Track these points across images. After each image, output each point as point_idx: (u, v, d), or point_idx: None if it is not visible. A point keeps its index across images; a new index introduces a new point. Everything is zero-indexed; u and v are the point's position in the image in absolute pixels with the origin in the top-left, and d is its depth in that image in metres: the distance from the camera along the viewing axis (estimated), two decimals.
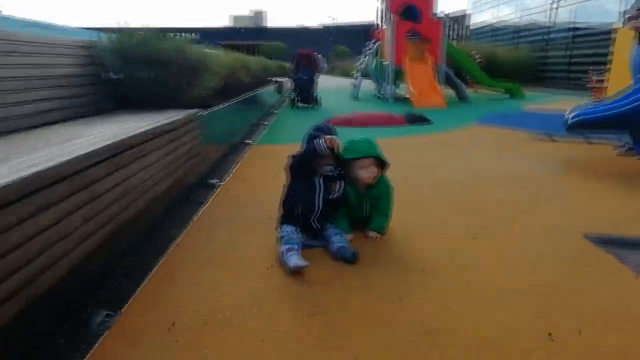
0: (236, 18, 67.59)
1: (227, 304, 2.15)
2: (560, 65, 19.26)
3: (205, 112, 4.33)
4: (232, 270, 2.50)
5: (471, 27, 32.31)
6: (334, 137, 2.69)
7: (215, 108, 4.93)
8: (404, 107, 10.75)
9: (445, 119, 8.94)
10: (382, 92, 13.67)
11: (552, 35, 20.23)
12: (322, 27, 64.93)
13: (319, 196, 2.74)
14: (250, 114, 7.87)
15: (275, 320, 2.02)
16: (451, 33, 32.13)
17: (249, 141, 6.55)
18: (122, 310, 2.09)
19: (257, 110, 8.76)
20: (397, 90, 14.01)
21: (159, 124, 2.93)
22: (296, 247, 2.55)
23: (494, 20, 27.58)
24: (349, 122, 8.12)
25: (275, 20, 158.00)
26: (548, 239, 2.91)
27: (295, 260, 2.41)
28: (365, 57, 15.28)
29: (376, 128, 7.72)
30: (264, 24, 67.30)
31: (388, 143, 6.75)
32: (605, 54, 10.45)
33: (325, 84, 21.57)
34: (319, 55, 11.91)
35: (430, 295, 2.22)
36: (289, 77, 12.70)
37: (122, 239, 2.55)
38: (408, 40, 12.42)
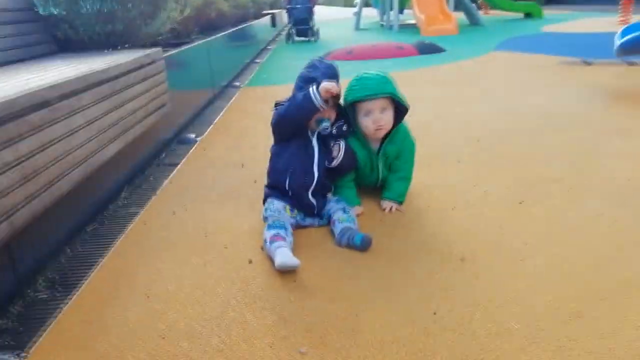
0: None
1: (180, 329, 1.49)
2: None
3: (171, 52, 3.51)
4: (196, 272, 1.82)
5: None
6: (333, 82, 1.94)
7: (187, 46, 4.09)
8: (412, 35, 9.70)
9: (461, 46, 7.97)
10: (385, 20, 12.49)
11: None
12: None
13: (315, 162, 2.06)
14: (239, 52, 6.96)
15: None
16: None
17: (237, 83, 5.73)
18: None
19: (247, 48, 7.82)
20: (403, 18, 12.82)
21: (94, 70, 2.15)
22: (283, 232, 1.87)
23: None
24: (350, 56, 7.21)
25: None
26: (622, 196, 2.19)
27: (281, 256, 1.73)
28: None
29: (383, 60, 6.83)
30: None
31: (399, 78, 5.89)
32: None
33: (326, 15, 20.16)
34: None
35: (480, 306, 1.54)
36: (284, 8, 11.53)
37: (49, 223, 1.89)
38: None
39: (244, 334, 1.45)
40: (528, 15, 12.97)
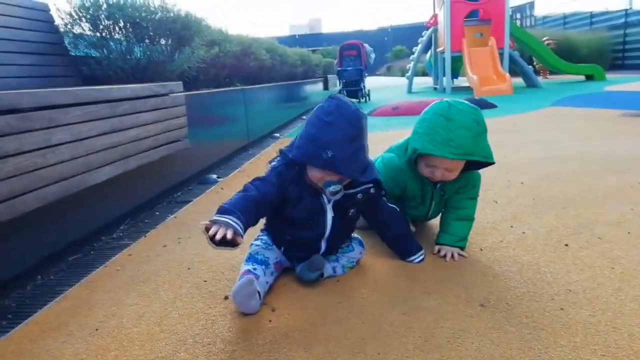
0: (293, 27, 68.58)
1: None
2: None
3: (200, 92, 3.46)
4: (162, 308, 1.56)
5: (537, 16, 29.81)
6: (223, 228, 1.38)
7: (219, 90, 4.05)
8: (464, 96, 9.47)
9: (515, 103, 7.61)
10: (439, 84, 12.39)
11: (630, 18, 17.83)
12: (379, 29, 63.68)
13: (326, 236, 1.64)
14: (282, 107, 6.98)
15: None
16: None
17: (277, 135, 5.66)
18: None
19: (293, 104, 7.87)
20: (457, 82, 12.69)
21: (85, 87, 2.05)
22: (261, 269, 1.58)
23: (564, 6, 25.09)
24: (396, 112, 7.04)
25: (331, 26, 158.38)
26: None
27: (241, 297, 1.42)
28: (418, 45, 13.97)
29: None
30: (320, 30, 67.31)
31: None
32: None
33: (380, 83, 20.51)
34: (367, 46, 10.82)
35: None
36: (336, 73, 11.74)
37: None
38: (465, 23, 11.07)
39: None
40: (589, 77, 12.45)
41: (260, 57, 5.36)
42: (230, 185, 3.20)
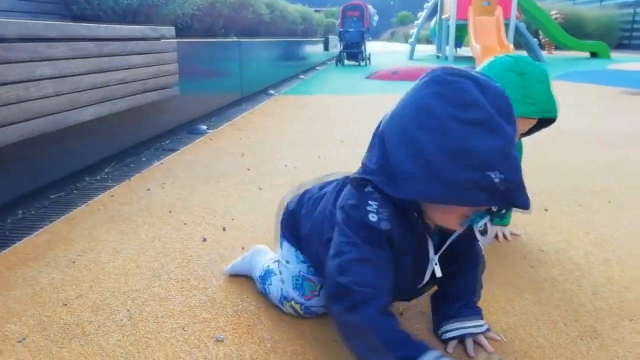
0: None
1: (89, 299, 1.22)
2: None
3: (194, 40, 3.39)
4: (140, 246, 1.57)
5: None
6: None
7: (213, 39, 3.97)
8: (466, 65, 9.34)
9: None
10: (442, 52, 12.21)
11: None
12: None
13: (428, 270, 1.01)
14: (279, 64, 6.87)
15: None
16: None
17: (272, 92, 5.59)
18: None
19: (291, 62, 7.75)
20: (460, 52, 12.51)
21: (73, 23, 2.00)
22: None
23: None
24: (395, 76, 6.96)
25: None
26: None
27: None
28: (424, 10, 13.68)
29: None
30: None
31: None
32: None
33: (383, 48, 20.19)
34: (371, 8, 10.59)
35: None
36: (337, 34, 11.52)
37: None
38: None
39: (158, 312, 1.17)
40: (594, 55, 12.29)
41: (259, 10, 5.23)
42: (220, 137, 3.19)
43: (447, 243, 0.98)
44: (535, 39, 12.09)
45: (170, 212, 1.83)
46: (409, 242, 0.92)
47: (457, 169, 0.77)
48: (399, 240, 0.90)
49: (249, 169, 2.39)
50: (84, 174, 2.28)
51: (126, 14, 2.99)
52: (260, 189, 2.10)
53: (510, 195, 0.79)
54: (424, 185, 0.79)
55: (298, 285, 1.13)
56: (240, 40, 4.71)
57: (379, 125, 0.91)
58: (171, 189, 2.11)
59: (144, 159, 2.66)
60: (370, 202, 0.88)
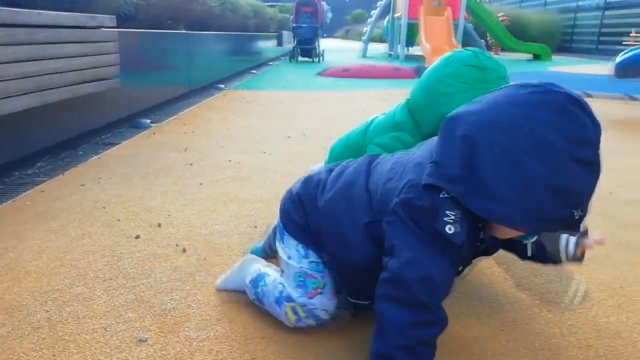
0: None
1: (4, 300, 1.16)
2: (590, 32, 17.53)
3: (137, 31, 3.28)
4: (67, 244, 1.50)
5: None
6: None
7: (157, 31, 3.86)
8: (416, 63, 9.53)
9: None
10: (393, 51, 12.39)
11: (582, 2, 18.32)
12: None
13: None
14: (230, 58, 6.77)
15: None
16: None
17: (222, 86, 5.49)
18: None
19: (243, 57, 7.65)
20: (412, 50, 12.74)
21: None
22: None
23: None
24: (346, 73, 7.01)
25: None
26: (605, 207, 1.85)
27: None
28: (377, 9, 13.84)
29: (380, 80, 6.60)
30: None
31: (393, 95, 5.76)
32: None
33: (337, 45, 20.28)
34: (325, 4, 10.61)
35: None
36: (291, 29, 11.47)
37: None
38: None
39: (80, 312, 1.12)
40: (537, 57, 12.83)
41: (209, 2, 5.13)
42: (163, 131, 3.10)
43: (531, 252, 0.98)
44: (482, 40, 12.51)
45: (104, 208, 1.76)
46: (469, 252, 0.91)
47: (554, 204, 0.76)
48: (464, 254, 0.88)
49: (191, 164, 2.34)
50: (13, 168, 2.16)
51: (64, 0, 2.85)
52: (200, 184, 2.05)
53: (577, 226, 0.81)
54: (515, 212, 0.77)
55: (300, 283, 1.04)
56: (189, 32, 4.60)
57: (454, 123, 0.84)
58: (107, 184, 2.03)
59: (80, 153, 2.55)
60: (447, 212, 0.81)
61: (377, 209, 0.92)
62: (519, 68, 9.67)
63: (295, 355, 1.00)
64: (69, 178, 2.11)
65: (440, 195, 0.82)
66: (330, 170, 1.10)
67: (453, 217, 0.81)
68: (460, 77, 1.27)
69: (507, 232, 0.86)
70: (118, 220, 1.65)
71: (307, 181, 1.10)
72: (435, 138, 0.92)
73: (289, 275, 1.07)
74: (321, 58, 10.33)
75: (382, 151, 1.40)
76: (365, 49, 12.93)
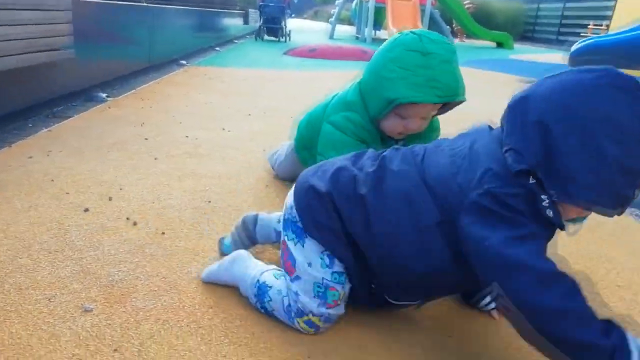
0: None
1: None
2: (551, 23, 18.00)
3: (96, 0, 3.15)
4: (11, 216, 1.46)
5: None
6: None
7: (117, 2, 3.73)
8: None
9: None
10: (361, 34, 12.38)
11: None
12: None
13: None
14: (194, 34, 6.61)
15: None
16: None
17: (183, 62, 5.37)
18: None
19: (207, 33, 7.48)
20: (380, 34, 12.75)
21: None
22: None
23: None
24: (313, 53, 6.97)
25: None
26: None
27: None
28: None
29: (346, 62, 6.59)
30: None
31: (360, 76, 5.67)
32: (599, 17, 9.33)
33: (305, 26, 20.06)
34: None
35: None
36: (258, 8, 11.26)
37: None
38: None
39: (22, 283, 1.10)
40: (500, 45, 13.09)
41: None
42: (120, 105, 3.01)
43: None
44: (448, 27, 12.64)
45: (52, 181, 1.71)
46: None
47: (625, 184, 0.79)
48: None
49: (146, 139, 2.30)
50: None
51: None
52: (156, 159, 2.02)
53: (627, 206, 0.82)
54: (594, 193, 0.78)
55: (320, 294, 0.98)
56: (150, 5, 4.46)
57: (523, 109, 0.85)
58: (57, 157, 1.97)
59: (30, 125, 2.46)
60: (542, 196, 0.81)
61: (446, 206, 0.87)
62: (483, 55, 9.85)
63: (243, 323, 1.02)
64: (17, 150, 2.03)
65: (530, 181, 0.81)
66: (354, 162, 1.02)
67: (548, 202, 0.81)
68: (402, 63, 1.26)
69: (571, 214, 0.87)
70: (67, 193, 1.61)
71: (337, 177, 0.99)
72: (477, 127, 0.97)
73: (307, 282, 0.98)
74: (288, 38, 10.21)
75: (334, 130, 1.44)
76: (332, 31, 12.85)
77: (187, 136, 2.39)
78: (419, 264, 0.90)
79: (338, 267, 0.98)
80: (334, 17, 13.31)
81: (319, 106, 1.64)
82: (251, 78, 4.60)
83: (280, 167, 1.87)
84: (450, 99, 1.29)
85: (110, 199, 1.58)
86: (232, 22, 9.87)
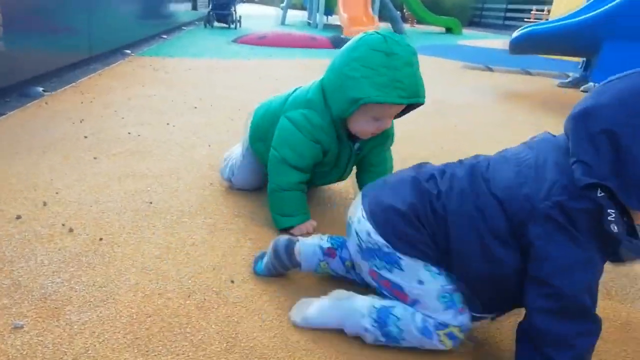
0: None
1: None
2: (497, 9, 18.50)
3: None
4: None
5: None
6: None
7: None
8: (333, 33, 9.54)
9: None
10: (312, 19, 12.30)
11: None
12: None
13: None
14: (137, 21, 6.37)
15: None
16: None
17: (128, 51, 5.18)
18: None
19: (152, 20, 7.23)
20: (331, 20, 12.71)
21: None
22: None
23: None
24: (262, 41, 6.87)
25: None
26: None
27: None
28: None
29: (295, 49, 6.55)
30: None
31: (307, 66, 5.76)
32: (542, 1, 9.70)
33: (257, 11, 19.73)
34: None
35: None
36: None
37: None
38: None
39: None
40: (449, 30, 13.34)
41: None
42: (58, 101, 2.88)
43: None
44: (399, 12, 12.74)
45: None
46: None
47: None
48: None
49: (85, 137, 2.21)
50: None
51: None
52: (95, 158, 1.95)
53: None
54: None
55: (449, 303, 0.96)
56: None
57: (587, 119, 0.84)
58: None
59: None
60: (609, 210, 0.80)
61: (513, 216, 0.89)
62: (432, 41, 10.03)
63: (182, 331, 1.01)
64: None
65: (599, 194, 0.81)
66: (421, 175, 1.02)
67: (614, 216, 0.81)
68: (366, 62, 1.27)
69: None
70: None
71: (414, 193, 0.99)
72: (541, 137, 0.97)
73: (430, 299, 0.96)
74: (238, 24, 10.01)
75: (291, 126, 1.44)
76: (284, 17, 12.70)
77: (129, 133, 2.31)
78: (492, 274, 0.91)
79: (445, 272, 0.97)
80: (284, 2, 13.15)
81: (277, 98, 1.62)
82: (198, 68, 4.50)
83: (239, 172, 1.69)
84: (412, 101, 1.30)
85: (44, 204, 1.52)
86: (180, 8, 9.57)
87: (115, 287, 1.14)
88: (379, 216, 1.00)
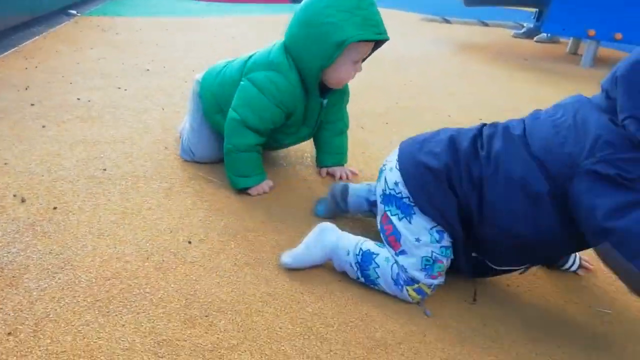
0: None
1: None
2: None
3: None
4: None
5: None
6: None
7: None
8: None
9: None
10: None
11: None
12: None
13: None
14: None
15: None
16: None
17: (73, 11, 4.92)
18: None
19: None
20: None
21: None
22: None
23: None
24: None
25: None
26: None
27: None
28: None
29: (252, 5, 6.36)
30: None
31: (262, 22, 5.63)
32: None
33: None
34: None
35: None
36: None
37: None
38: None
39: None
40: None
41: None
42: (1, 67, 2.74)
43: None
44: None
45: None
46: None
47: None
48: None
49: (32, 104, 2.14)
50: None
51: None
52: (43, 126, 1.90)
53: None
54: None
55: (428, 267, 1.03)
56: None
57: (635, 73, 0.86)
58: None
59: None
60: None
61: (555, 176, 0.91)
62: None
63: (141, 291, 1.04)
64: None
65: None
66: (458, 138, 1.05)
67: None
68: (339, 7, 1.32)
69: None
70: None
71: (449, 155, 1.02)
72: (575, 98, 0.99)
73: (414, 256, 1.04)
74: None
75: (254, 89, 1.42)
76: None
77: (78, 98, 2.25)
78: (530, 232, 0.95)
79: (446, 241, 1.03)
80: None
81: (232, 65, 1.57)
82: (149, 28, 4.33)
83: (198, 150, 1.63)
84: (383, 37, 1.39)
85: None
86: None
87: (72, 253, 1.15)
88: (411, 172, 1.05)
